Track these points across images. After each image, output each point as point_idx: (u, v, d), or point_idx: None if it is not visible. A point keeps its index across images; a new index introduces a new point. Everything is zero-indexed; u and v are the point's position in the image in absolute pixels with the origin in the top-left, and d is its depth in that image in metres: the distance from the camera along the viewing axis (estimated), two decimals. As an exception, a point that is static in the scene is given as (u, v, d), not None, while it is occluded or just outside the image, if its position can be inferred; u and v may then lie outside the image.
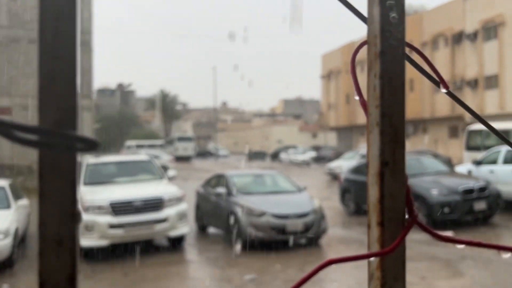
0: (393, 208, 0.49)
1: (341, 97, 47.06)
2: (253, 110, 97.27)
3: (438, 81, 0.64)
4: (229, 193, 10.12)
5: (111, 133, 53.93)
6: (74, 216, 0.41)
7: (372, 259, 0.50)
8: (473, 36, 30.54)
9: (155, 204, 9.18)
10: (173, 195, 9.56)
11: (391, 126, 0.49)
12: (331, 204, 14.71)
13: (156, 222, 9.06)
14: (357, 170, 13.97)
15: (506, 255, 0.57)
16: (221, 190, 10.36)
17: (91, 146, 0.41)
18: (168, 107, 65.48)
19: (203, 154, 54.17)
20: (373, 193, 0.50)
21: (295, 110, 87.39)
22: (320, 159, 40.69)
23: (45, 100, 0.41)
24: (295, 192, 10.45)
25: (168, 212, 9.20)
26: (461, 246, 0.56)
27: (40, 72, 0.41)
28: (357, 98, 0.56)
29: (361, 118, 44.38)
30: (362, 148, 32.15)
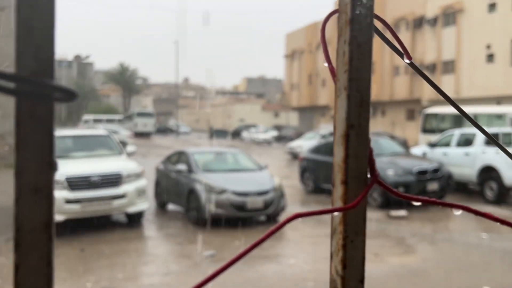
0: (356, 168, 0.52)
1: (304, 77, 47.33)
2: (215, 88, 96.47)
3: (402, 53, 0.67)
4: (190, 170, 10.08)
5: (68, 107, 52.28)
6: (51, 165, 0.41)
7: (335, 214, 0.53)
8: (433, 22, 31.28)
9: (113, 180, 9.03)
10: (132, 171, 9.42)
11: (358, 91, 0.51)
12: (291, 182, 14.93)
13: (114, 198, 8.92)
14: (316, 150, 14.20)
15: (457, 212, 0.62)
16: (182, 167, 10.29)
17: (69, 96, 0.41)
18: (127, 81, 63.89)
19: (164, 130, 53.46)
20: (338, 153, 0.52)
21: (258, 89, 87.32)
22: (281, 139, 41.03)
23: (22, 49, 0.40)
24: (256, 170, 10.52)
25: (126, 188, 9.07)
26: (417, 206, 0.59)
27: (17, 22, 0.40)
28: (326, 64, 0.58)
29: (322, 99, 44.94)
30: (322, 129, 32.63)
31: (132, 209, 9.20)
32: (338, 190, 0.52)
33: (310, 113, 48.52)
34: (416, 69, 0.71)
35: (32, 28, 0.41)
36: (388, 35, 0.66)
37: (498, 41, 26.79)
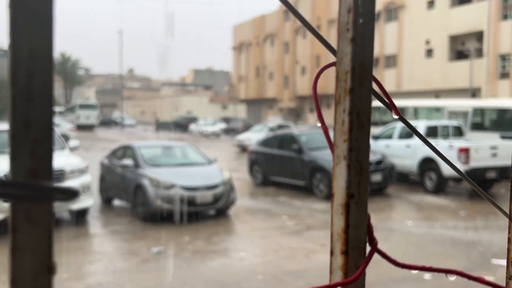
0: (356, 238, 0.52)
1: (252, 69, 47.42)
2: (162, 79, 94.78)
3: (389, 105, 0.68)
4: (137, 165, 9.85)
5: (4, 98, 49.48)
6: (50, 269, 0.39)
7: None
8: (376, 17, 32.23)
9: (56, 176, 8.66)
10: (75, 166, 9.08)
11: (358, 160, 0.52)
12: (240, 175, 14.97)
13: (57, 194, 8.56)
14: (265, 142, 14.31)
15: (452, 278, 0.63)
16: (128, 161, 10.04)
17: (70, 196, 0.39)
18: (69, 72, 61.36)
19: (107, 123, 51.93)
20: (338, 222, 0.52)
21: (205, 81, 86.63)
22: (230, 131, 40.99)
23: (18, 146, 0.38)
24: (205, 164, 10.45)
25: (70, 184, 8.73)
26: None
27: (11, 119, 0.39)
28: (319, 125, 0.59)
29: (269, 91, 45.26)
30: (270, 121, 32.89)
31: (76, 206, 8.88)
32: (338, 260, 0.52)
33: (258, 105, 48.77)
34: (404, 121, 0.72)
35: (29, 124, 0.38)
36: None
37: (436, 36, 28.04)
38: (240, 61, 49.50)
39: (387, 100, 0.68)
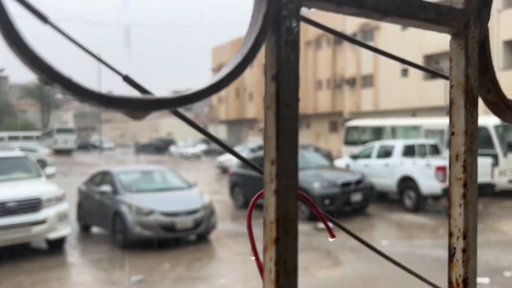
0: None
1: (231, 91, 47.67)
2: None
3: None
4: (115, 191, 9.71)
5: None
6: None
7: None
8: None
9: (32, 205, 8.48)
10: (52, 194, 8.91)
11: None
12: (221, 197, 14.88)
13: (33, 224, 8.37)
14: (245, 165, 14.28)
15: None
16: (106, 188, 9.90)
17: None
18: (46, 95, 60.61)
19: (86, 146, 51.25)
20: None
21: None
22: (210, 152, 40.87)
23: None
24: (185, 188, 10.37)
25: (46, 212, 8.56)
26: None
27: None
28: (253, 258, 0.59)
29: (250, 112, 45.46)
30: (251, 142, 32.95)
31: (53, 235, 8.68)
32: None
33: (238, 126, 48.88)
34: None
35: None
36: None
37: (411, 56, 28.69)
38: (220, 82, 49.78)
39: (324, 224, 0.69)
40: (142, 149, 46.94)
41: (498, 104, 0.73)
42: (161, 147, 46.81)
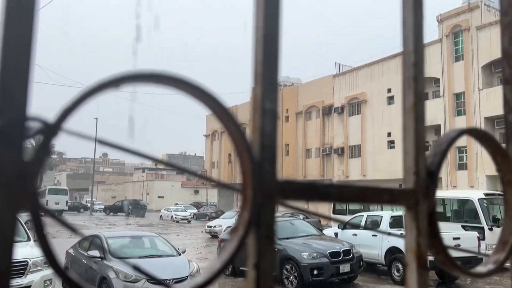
0: None
1: (224, 156, 48.27)
2: (135, 163, 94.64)
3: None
4: (103, 256, 9.72)
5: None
6: None
7: None
8: (340, 110, 34.13)
9: (18, 269, 8.46)
10: (39, 258, 8.90)
11: None
12: (209, 264, 14.74)
13: (18, 289, 8.31)
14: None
15: None
16: (95, 252, 9.90)
17: None
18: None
19: (77, 208, 50.76)
20: None
21: (175, 168, 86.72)
22: (200, 216, 40.68)
23: None
24: (174, 255, 10.38)
25: (32, 277, 8.52)
26: None
27: None
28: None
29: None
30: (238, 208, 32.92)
31: (37, 301, 8.58)
32: None
33: (229, 191, 48.87)
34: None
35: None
36: None
37: (397, 129, 29.66)
38: (213, 147, 50.47)
39: None
40: (133, 211, 46.52)
41: (446, 263, 0.86)
42: (128, 208, 46.98)
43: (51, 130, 0.51)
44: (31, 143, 0.55)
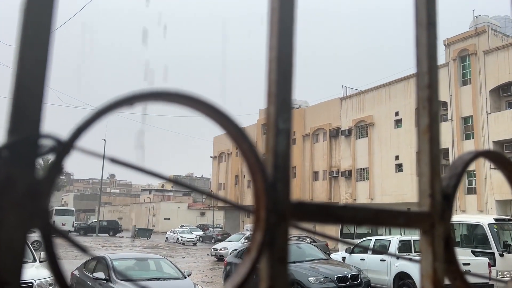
0: None
1: (230, 178, 48.18)
2: (142, 184, 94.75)
3: None
4: (108, 279, 9.63)
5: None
6: None
7: None
8: (348, 133, 34.08)
9: (23, 290, 8.40)
10: (44, 279, 8.85)
11: None
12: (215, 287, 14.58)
13: (22, 310, 8.24)
14: (241, 254, 14.19)
15: None
16: (100, 274, 9.83)
17: None
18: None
19: (84, 229, 50.65)
20: None
21: (185, 187, 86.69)
22: (206, 239, 40.41)
23: None
24: (179, 278, 10.27)
25: (36, 299, 8.45)
26: None
27: None
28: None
29: (248, 199, 45.52)
30: (247, 231, 32.72)
31: (41, 323, 8.49)
32: None
33: (236, 212, 48.63)
34: None
35: None
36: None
37: (405, 152, 29.52)
38: (219, 169, 50.45)
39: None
40: (139, 233, 46.29)
41: None
42: (107, 229, 47.66)
43: (64, 148, 0.50)
44: (39, 163, 0.54)
